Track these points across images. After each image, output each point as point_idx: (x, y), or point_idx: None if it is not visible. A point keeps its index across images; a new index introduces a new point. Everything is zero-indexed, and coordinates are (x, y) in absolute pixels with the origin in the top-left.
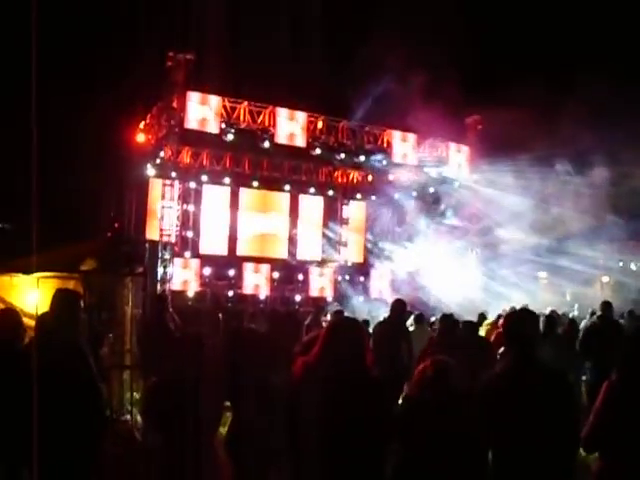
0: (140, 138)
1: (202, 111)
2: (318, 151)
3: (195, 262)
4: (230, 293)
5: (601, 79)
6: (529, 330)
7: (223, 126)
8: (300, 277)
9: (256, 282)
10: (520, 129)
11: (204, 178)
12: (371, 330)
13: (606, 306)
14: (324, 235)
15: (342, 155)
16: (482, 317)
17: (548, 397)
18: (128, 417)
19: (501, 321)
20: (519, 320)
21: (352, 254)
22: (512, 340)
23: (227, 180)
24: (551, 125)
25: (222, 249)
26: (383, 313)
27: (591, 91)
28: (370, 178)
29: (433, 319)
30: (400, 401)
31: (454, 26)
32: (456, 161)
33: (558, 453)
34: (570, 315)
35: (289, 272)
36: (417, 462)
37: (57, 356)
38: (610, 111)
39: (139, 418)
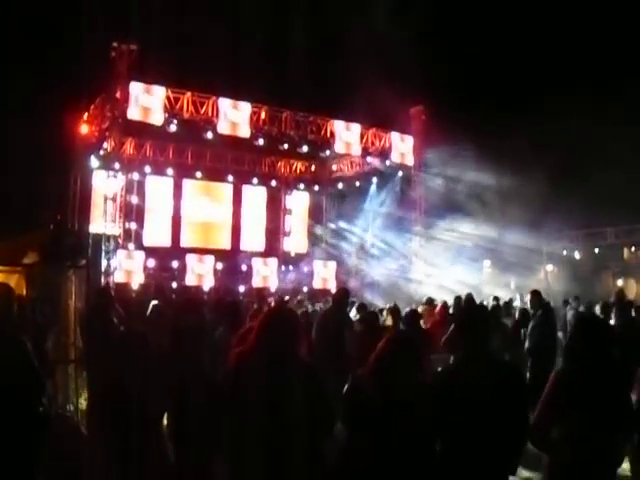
0: (83, 129)
1: (145, 102)
2: (261, 141)
3: (139, 254)
4: (174, 285)
5: (547, 70)
6: (481, 324)
7: (166, 116)
8: (244, 268)
9: (200, 273)
10: (465, 119)
11: (147, 169)
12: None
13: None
14: (267, 226)
15: (285, 145)
16: (430, 301)
17: (500, 391)
18: (73, 412)
19: (438, 308)
20: (471, 314)
21: (295, 244)
22: (464, 334)
23: (170, 171)
24: (497, 116)
25: (166, 241)
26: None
27: (538, 83)
28: (313, 168)
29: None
30: (346, 387)
31: (400, 18)
32: (400, 151)
33: (507, 447)
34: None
35: (233, 263)
36: (365, 446)
37: None
38: (555, 102)
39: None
